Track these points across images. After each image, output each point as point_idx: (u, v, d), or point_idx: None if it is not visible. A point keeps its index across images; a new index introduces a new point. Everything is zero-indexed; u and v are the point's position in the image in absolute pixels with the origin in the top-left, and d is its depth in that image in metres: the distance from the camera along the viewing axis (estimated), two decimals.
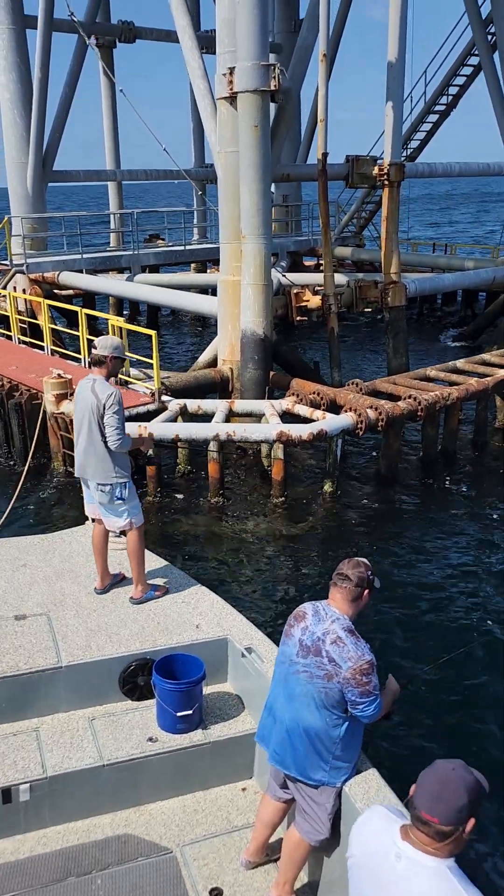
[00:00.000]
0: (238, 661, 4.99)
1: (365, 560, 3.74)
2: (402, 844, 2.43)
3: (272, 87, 12.21)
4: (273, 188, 24.33)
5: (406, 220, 30.47)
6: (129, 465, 5.76)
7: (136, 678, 4.91)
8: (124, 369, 12.51)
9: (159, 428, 11.25)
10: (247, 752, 4.60)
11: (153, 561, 6.10)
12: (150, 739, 4.56)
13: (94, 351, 5.65)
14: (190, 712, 4.53)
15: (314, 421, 11.58)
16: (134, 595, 5.61)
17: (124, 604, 5.55)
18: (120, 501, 5.60)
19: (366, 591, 3.66)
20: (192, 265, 25.75)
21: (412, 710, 6.75)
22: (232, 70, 12.40)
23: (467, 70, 21.69)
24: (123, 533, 5.82)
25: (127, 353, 5.69)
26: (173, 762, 4.50)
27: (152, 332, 12.32)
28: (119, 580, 5.86)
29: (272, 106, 13.40)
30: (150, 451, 6.22)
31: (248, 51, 12.06)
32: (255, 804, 4.38)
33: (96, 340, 5.75)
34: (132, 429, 10.18)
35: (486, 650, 7.81)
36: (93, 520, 5.90)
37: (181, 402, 12.20)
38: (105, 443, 5.51)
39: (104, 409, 5.43)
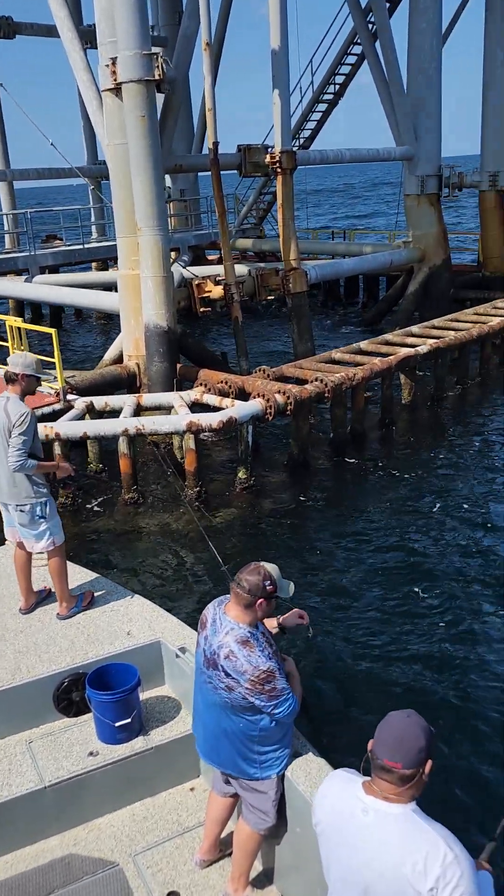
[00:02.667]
0: (173, 663, 4.95)
1: (268, 567, 3.55)
2: (367, 798, 2.54)
3: (156, 77, 12.10)
4: (170, 182, 24.23)
5: (304, 210, 30.92)
6: (47, 483, 5.64)
7: (70, 694, 4.82)
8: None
9: (66, 427, 11.01)
10: (191, 751, 4.54)
11: (77, 572, 6.01)
12: (91, 754, 4.49)
13: (6, 369, 5.50)
14: (129, 720, 4.48)
15: (223, 409, 11.57)
16: (60, 612, 5.52)
17: (51, 621, 5.43)
18: (41, 520, 5.49)
19: (260, 601, 3.47)
20: (94, 264, 25.32)
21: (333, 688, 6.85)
22: (114, 60, 12.21)
23: (352, 59, 22.09)
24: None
25: (39, 371, 5.57)
26: (117, 773, 4.43)
27: (52, 330, 12.03)
28: (45, 596, 5.75)
29: (160, 97, 13.30)
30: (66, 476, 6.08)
31: (128, 41, 11.90)
32: (204, 803, 4.36)
33: (9, 358, 5.60)
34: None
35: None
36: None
37: (87, 399, 11.97)
38: None
39: (13, 427, 5.27)
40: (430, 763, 2.52)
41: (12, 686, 4.74)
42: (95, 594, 5.72)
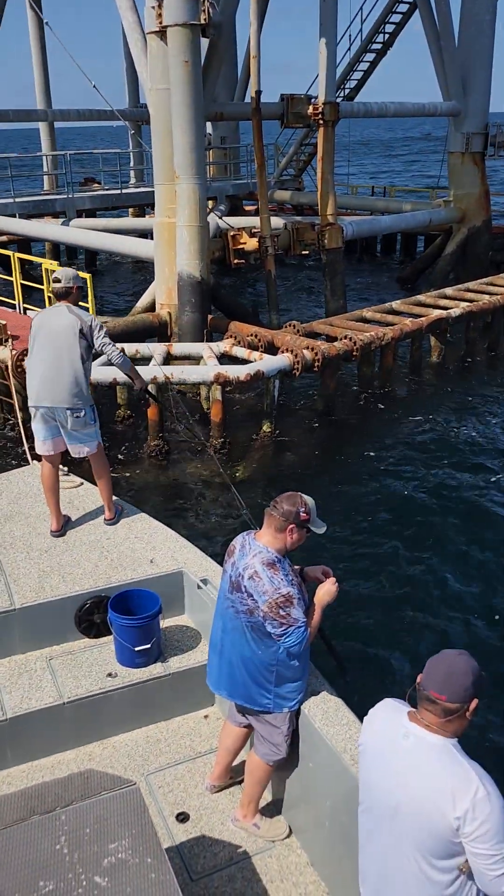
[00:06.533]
0: (194, 593, 5.04)
1: (306, 497, 3.60)
2: (410, 725, 2.69)
3: (202, 21, 11.95)
4: (211, 129, 23.91)
5: (346, 165, 30.34)
6: None
7: (92, 616, 4.93)
8: None
9: (96, 372, 11.15)
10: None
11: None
12: (110, 675, 4.61)
13: (56, 285, 5.63)
14: (148, 646, 4.60)
15: (252, 362, 11.69)
16: (108, 517, 5.67)
17: (76, 543, 5.52)
18: (93, 423, 5.63)
19: (291, 526, 3.54)
20: (130, 210, 25.24)
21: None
22: (160, 2, 12.06)
23: (404, 7, 21.42)
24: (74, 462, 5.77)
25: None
26: (134, 695, 4.57)
27: (87, 275, 12.15)
28: (67, 521, 5.75)
29: (204, 42, 13.11)
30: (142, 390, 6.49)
31: None
32: (217, 730, 4.51)
33: (57, 273, 5.74)
34: None
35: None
36: (39, 459, 5.78)
37: (118, 346, 12.10)
38: (84, 366, 5.48)
39: (92, 330, 5.45)
40: (475, 702, 2.61)
41: (36, 603, 4.85)
42: (122, 519, 5.80)
